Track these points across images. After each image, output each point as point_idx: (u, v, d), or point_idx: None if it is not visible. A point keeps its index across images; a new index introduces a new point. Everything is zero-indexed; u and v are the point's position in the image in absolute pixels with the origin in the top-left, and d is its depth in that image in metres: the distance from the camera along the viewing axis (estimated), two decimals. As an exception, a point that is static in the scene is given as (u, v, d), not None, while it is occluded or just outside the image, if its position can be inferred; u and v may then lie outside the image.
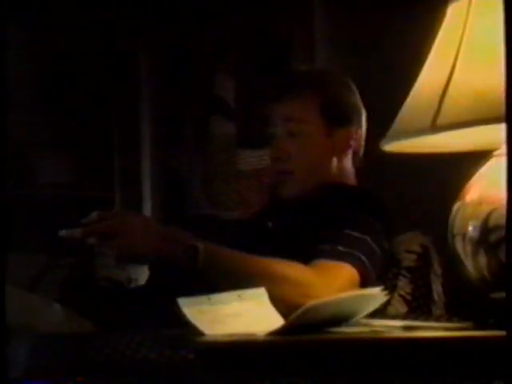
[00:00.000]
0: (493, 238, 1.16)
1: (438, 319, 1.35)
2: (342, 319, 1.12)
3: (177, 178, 2.85)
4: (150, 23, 2.91)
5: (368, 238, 1.44)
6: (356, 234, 1.43)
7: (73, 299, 1.60)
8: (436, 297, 1.52)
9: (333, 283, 1.34)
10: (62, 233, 1.28)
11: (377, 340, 1.05)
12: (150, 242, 1.29)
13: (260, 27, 2.57)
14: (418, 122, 1.22)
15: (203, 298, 1.13)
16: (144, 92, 2.96)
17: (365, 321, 1.15)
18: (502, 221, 1.07)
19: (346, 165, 1.64)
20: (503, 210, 1.01)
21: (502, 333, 0.95)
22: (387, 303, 1.43)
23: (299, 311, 1.02)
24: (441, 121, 1.19)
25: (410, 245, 1.56)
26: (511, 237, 0.95)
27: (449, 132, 1.21)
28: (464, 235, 1.19)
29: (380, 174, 1.78)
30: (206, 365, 1.05)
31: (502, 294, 1.14)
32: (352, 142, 1.63)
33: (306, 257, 1.39)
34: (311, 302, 1.04)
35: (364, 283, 1.39)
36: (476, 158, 1.27)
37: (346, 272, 1.39)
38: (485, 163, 1.24)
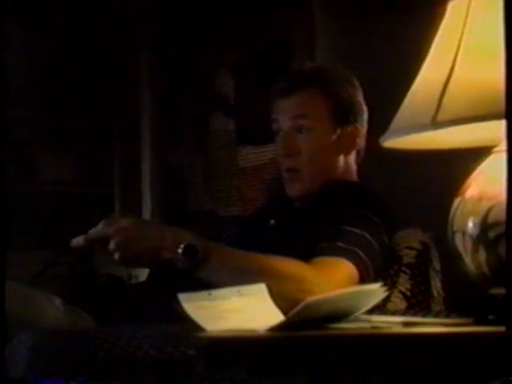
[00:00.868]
0: (492, 234, 1.16)
1: (436, 315, 1.35)
2: (342, 315, 1.12)
3: (177, 175, 2.85)
4: (151, 20, 2.91)
5: (367, 235, 1.44)
6: (355, 230, 1.43)
7: (73, 295, 1.60)
8: (435, 293, 1.53)
9: (331, 279, 1.34)
10: (72, 242, 1.32)
11: (377, 336, 1.05)
12: (148, 244, 1.29)
13: (260, 24, 2.57)
14: (418, 118, 1.22)
15: (203, 294, 1.13)
16: (144, 89, 2.96)
17: (364, 317, 1.15)
18: (502, 217, 1.08)
19: (350, 162, 1.65)
20: (503, 206, 1.01)
21: (502, 329, 0.95)
22: (386, 299, 1.43)
23: (299, 307, 1.02)
24: (441, 117, 1.19)
25: (410, 241, 1.56)
26: (511, 233, 0.95)
27: (449, 128, 1.21)
28: (464, 231, 1.20)
29: (379, 170, 1.79)
30: (206, 361, 1.05)
31: (502, 290, 1.14)
32: (357, 140, 1.63)
33: (306, 254, 1.40)
34: (311, 298, 1.04)
35: (363, 279, 1.39)
36: (475, 155, 1.28)
37: (345, 268, 1.39)
38: (484, 159, 1.24)
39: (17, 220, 2.62)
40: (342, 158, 1.63)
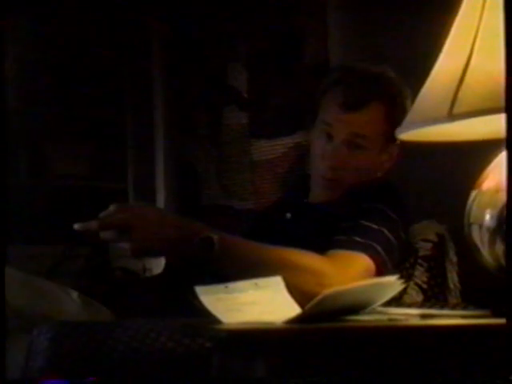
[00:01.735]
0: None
1: (453, 307, 1.35)
2: (359, 307, 1.12)
3: (190, 169, 2.85)
4: (163, 14, 2.91)
5: (385, 230, 1.44)
6: (373, 225, 1.43)
7: (89, 289, 1.61)
8: (451, 285, 1.52)
9: (348, 273, 1.34)
10: (77, 226, 1.26)
11: (394, 328, 1.06)
12: (166, 236, 1.27)
13: (273, 17, 2.56)
14: (435, 110, 1.22)
15: (220, 287, 1.13)
16: (157, 83, 2.97)
17: (381, 309, 1.15)
18: (520, 209, 1.07)
19: None
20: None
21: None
22: (403, 292, 1.43)
23: (316, 300, 1.02)
24: (457, 109, 1.18)
25: (425, 233, 1.56)
26: (511, 231, 0.95)
27: (465, 120, 1.20)
28: (481, 224, 1.19)
29: (395, 163, 1.78)
30: (224, 353, 1.05)
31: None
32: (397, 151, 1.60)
33: (323, 248, 1.40)
34: (328, 291, 1.04)
35: (379, 273, 1.39)
36: (492, 147, 1.27)
37: (362, 262, 1.39)
38: (501, 151, 1.24)
39: (31, 214, 2.64)
40: (379, 174, 1.61)
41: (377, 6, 2.06)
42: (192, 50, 2.85)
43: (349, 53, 2.16)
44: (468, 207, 1.23)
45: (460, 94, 1.18)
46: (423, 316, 1.17)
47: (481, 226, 1.19)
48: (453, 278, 1.53)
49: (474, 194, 1.23)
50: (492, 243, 1.18)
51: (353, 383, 1.00)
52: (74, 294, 1.44)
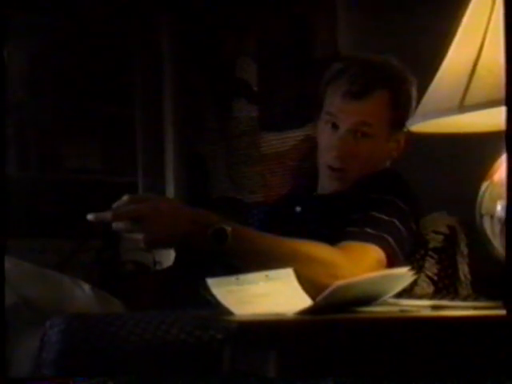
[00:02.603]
0: (521, 217, 1.15)
1: (465, 299, 1.35)
2: (370, 299, 1.12)
3: (200, 162, 2.85)
4: (173, 6, 2.91)
5: (396, 221, 1.43)
6: (384, 216, 1.43)
7: (100, 281, 1.61)
8: (462, 277, 1.52)
9: (359, 264, 1.34)
10: (91, 216, 1.25)
11: (405, 319, 1.06)
12: (179, 227, 1.27)
13: (282, 10, 2.56)
14: (446, 102, 1.22)
15: (231, 279, 1.13)
16: (167, 76, 2.97)
17: (393, 300, 1.15)
18: (531, 200, 1.07)
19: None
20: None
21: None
22: (414, 283, 1.43)
23: (328, 291, 1.02)
24: (469, 101, 1.18)
25: (436, 225, 1.55)
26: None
27: (477, 112, 1.20)
28: (492, 215, 1.19)
29: (405, 154, 1.78)
30: (235, 344, 1.05)
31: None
32: (403, 142, 1.60)
33: (333, 240, 1.39)
34: (339, 282, 1.04)
35: (391, 265, 1.39)
36: (503, 138, 1.27)
37: (373, 253, 1.39)
38: (513, 142, 1.23)
39: (42, 208, 2.65)
40: (387, 163, 1.61)
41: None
42: (201, 43, 2.85)
43: (358, 45, 2.16)
44: (479, 198, 1.23)
45: (471, 86, 1.19)
46: (434, 307, 1.17)
47: (492, 217, 1.19)
48: (463, 269, 1.53)
49: (485, 185, 1.23)
50: (503, 234, 1.18)
51: (364, 375, 1.00)
52: (86, 287, 1.45)
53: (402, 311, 1.11)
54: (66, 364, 1.15)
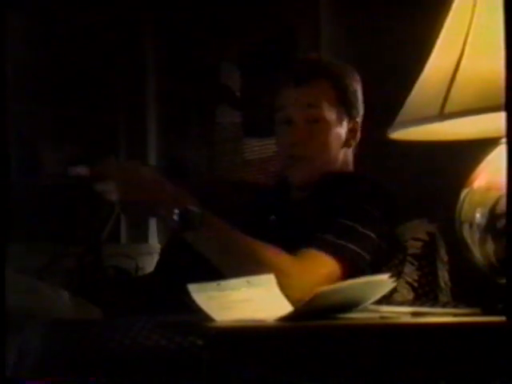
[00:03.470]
0: (500, 224, 1.16)
1: (444, 306, 1.35)
2: (351, 305, 1.12)
3: (182, 167, 2.85)
4: (155, 12, 2.91)
5: (359, 227, 1.43)
6: (348, 222, 1.43)
7: (81, 287, 1.60)
8: (442, 284, 1.53)
9: (311, 273, 1.35)
10: (70, 169, 1.29)
11: (385, 326, 1.06)
12: (156, 195, 1.30)
13: (265, 15, 2.57)
14: (426, 109, 1.22)
15: (213, 284, 1.14)
16: (149, 82, 2.97)
17: (373, 307, 1.16)
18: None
19: (350, 154, 1.67)
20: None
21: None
22: (394, 290, 1.43)
23: (309, 297, 1.03)
24: (448, 108, 1.19)
25: (416, 232, 1.56)
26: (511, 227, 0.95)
27: (456, 119, 1.21)
28: (471, 222, 1.20)
29: (385, 161, 1.79)
30: (215, 350, 1.05)
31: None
32: (358, 134, 1.65)
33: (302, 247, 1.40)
34: (320, 288, 1.04)
35: (348, 273, 1.38)
36: (482, 145, 1.28)
37: (326, 263, 1.38)
38: (492, 150, 1.24)
39: (23, 213, 2.63)
40: (344, 150, 1.64)
41: (369, 5, 2.06)
42: (185, 49, 2.85)
43: (341, 51, 2.16)
44: (459, 206, 1.23)
45: (451, 93, 1.19)
46: (415, 314, 1.18)
47: (471, 225, 1.20)
48: (443, 276, 1.53)
49: (464, 192, 1.23)
50: (482, 241, 1.19)
51: (344, 382, 1.01)
52: (65, 295, 1.44)
53: (382, 318, 1.12)
54: (45, 369, 1.14)
